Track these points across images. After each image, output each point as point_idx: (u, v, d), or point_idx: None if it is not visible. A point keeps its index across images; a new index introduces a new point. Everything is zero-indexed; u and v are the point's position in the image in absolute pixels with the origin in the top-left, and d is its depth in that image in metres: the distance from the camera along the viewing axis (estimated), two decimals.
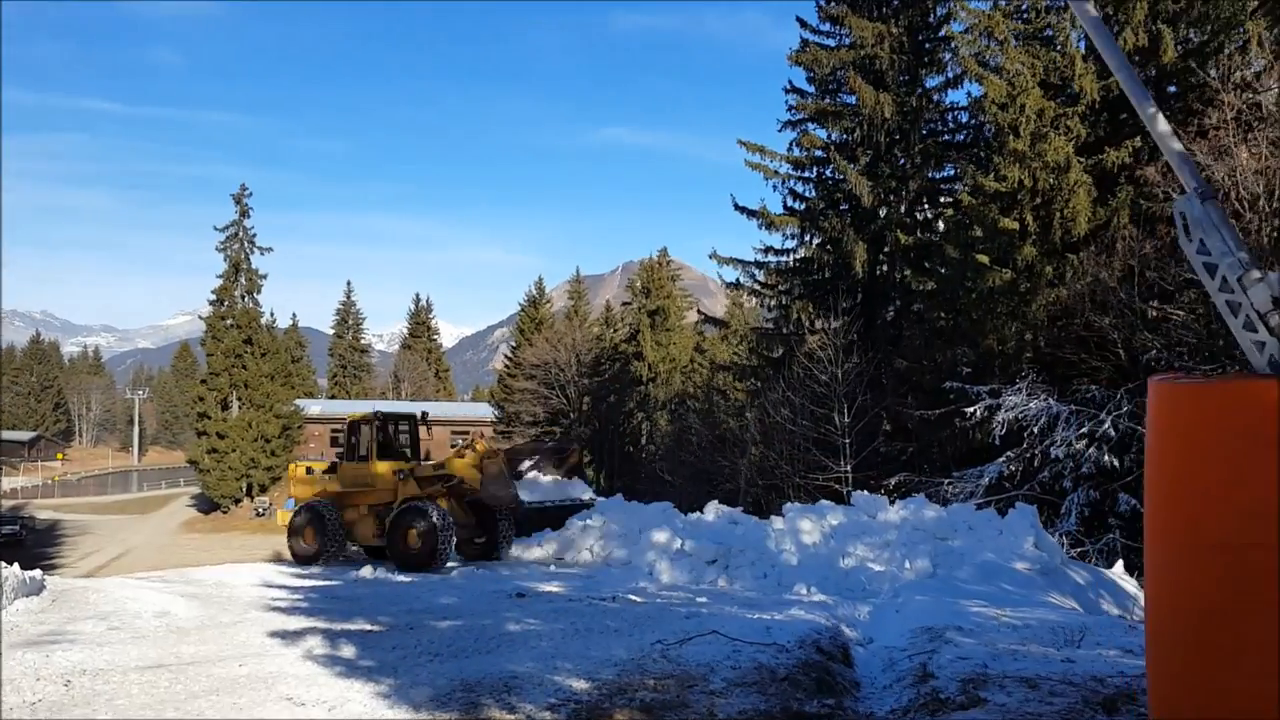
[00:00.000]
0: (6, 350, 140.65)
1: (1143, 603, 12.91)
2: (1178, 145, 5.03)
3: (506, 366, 67.21)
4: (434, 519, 16.43)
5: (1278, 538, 3.51)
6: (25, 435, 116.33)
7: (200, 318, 71.92)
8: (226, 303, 68.67)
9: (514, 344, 70.53)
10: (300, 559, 18.16)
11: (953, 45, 25.60)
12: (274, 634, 9.19)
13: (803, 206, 28.76)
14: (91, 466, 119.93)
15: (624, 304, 65.84)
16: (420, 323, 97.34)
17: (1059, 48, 21.39)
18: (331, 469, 18.99)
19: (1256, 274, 4.51)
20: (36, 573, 13.81)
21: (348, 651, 8.17)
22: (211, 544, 54.59)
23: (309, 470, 19.36)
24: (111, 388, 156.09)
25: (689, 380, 53.33)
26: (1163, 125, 5.04)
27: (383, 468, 17.89)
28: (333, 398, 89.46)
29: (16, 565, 12.07)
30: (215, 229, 68.99)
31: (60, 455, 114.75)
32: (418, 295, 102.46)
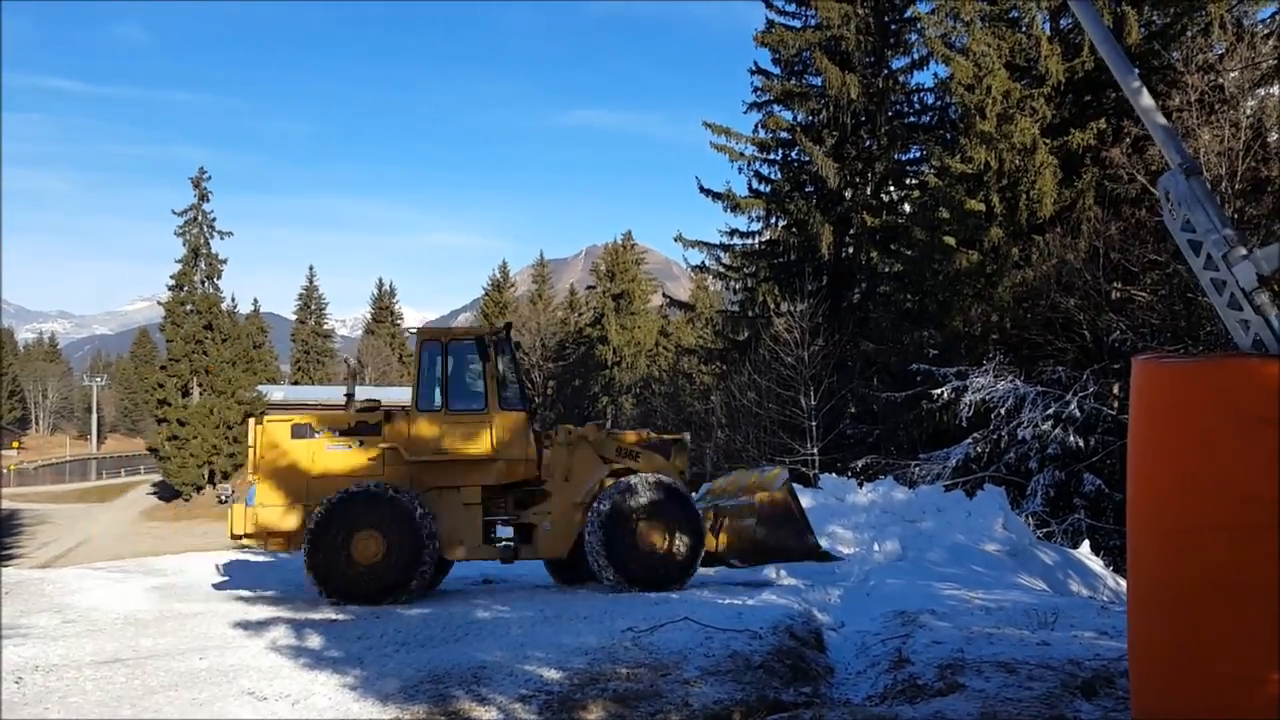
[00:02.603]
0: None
1: (1109, 582, 13.05)
2: (1161, 119, 4.94)
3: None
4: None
5: (1278, 519, 3.42)
6: None
7: (159, 303, 70.60)
8: (186, 288, 67.44)
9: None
10: (353, 594, 10.34)
11: (919, 26, 25.53)
12: (237, 625, 8.97)
13: (768, 189, 28.63)
14: (49, 454, 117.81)
15: (588, 288, 65.61)
16: (384, 307, 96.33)
17: (1025, 29, 21.38)
18: (364, 429, 11.19)
19: (1241, 251, 4.45)
20: None
21: (313, 642, 7.98)
22: (173, 532, 53.81)
23: (302, 430, 11.18)
24: (69, 375, 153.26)
25: (654, 364, 53.28)
26: (1146, 100, 4.95)
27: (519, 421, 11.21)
28: (296, 384, 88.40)
29: None
30: (174, 213, 67.69)
31: (16, 444, 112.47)
32: (380, 280, 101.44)
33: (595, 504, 10.97)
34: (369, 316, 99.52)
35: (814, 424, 23.26)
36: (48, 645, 7.96)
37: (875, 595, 10.09)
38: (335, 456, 11.07)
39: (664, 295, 47.39)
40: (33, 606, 10.74)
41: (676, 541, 11.01)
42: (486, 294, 71.65)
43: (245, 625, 8.89)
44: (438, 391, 11.21)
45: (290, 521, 10.88)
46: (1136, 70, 5.23)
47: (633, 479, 11.10)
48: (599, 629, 8.05)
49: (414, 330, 12.20)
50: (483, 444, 10.98)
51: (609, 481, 11.26)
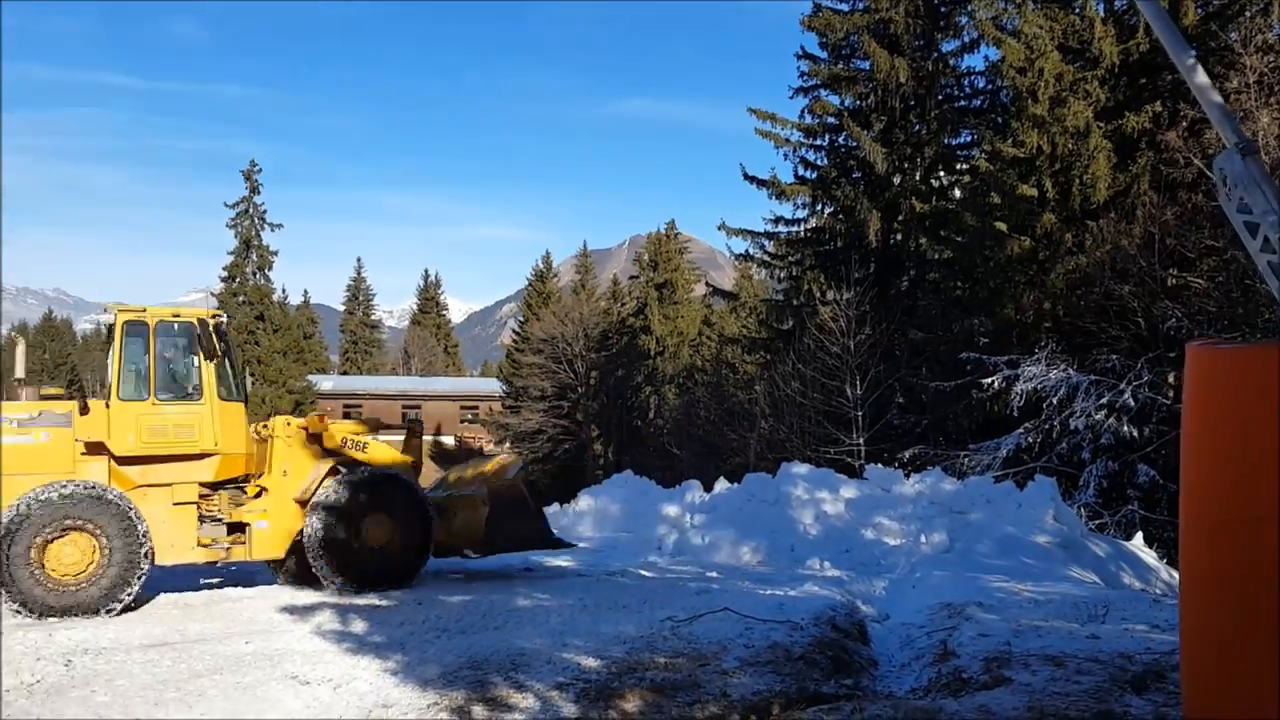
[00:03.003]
0: (17, 328, 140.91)
1: (1163, 575, 12.77)
2: (1217, 98, 4.76)
3: (514, 341, 66.94)
4: None
5: None
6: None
7: (212, 295, 71.86)
8: (238, 280, 68.64)
9: (522, 319, 70.35)
10: (54, 614, 8.79)
11: (969, 8, 25.06)
12: (283, 610, 9.07)
13: (814, 175, 28.33)
14: None
15: (631, 278, 65.47)
16: (429, 299, 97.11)
17: (1078, 10, 20.90)
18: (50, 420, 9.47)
19: None
20: None
21: (357, 627, 8.04)
22: None
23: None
24: None
25: (697, 354, 53.08)
26: (1202, 77, 4.77)
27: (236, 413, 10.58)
28: (344, 374, 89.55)
29: None
30: (226, 205, 68.84)
31: None
32: (426, 271, 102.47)
33: (314, 500, 10.05)
34: (415, 308, 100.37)
35: (860, 414, 23.02)
36: (98, 629, 8.12)
37: (921, 587, 9.96)
38: (21, 451, 9.22)
39: (707, 284, 47.08)
40: None
41: (401, 536, 10.26)
42: (530, 284, 71.88)
43: (291, 610, 8.99)
44: (141, 379, 9.93)
45: None
46: (1193, 50, 5.04)
47: (354, 472, 10.28)
48: (638, 618, 8.02)
49: (112, 308, 10.23)
50: (199, 438, 9.89)
51: (327, 476, 10.29)
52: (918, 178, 27.24)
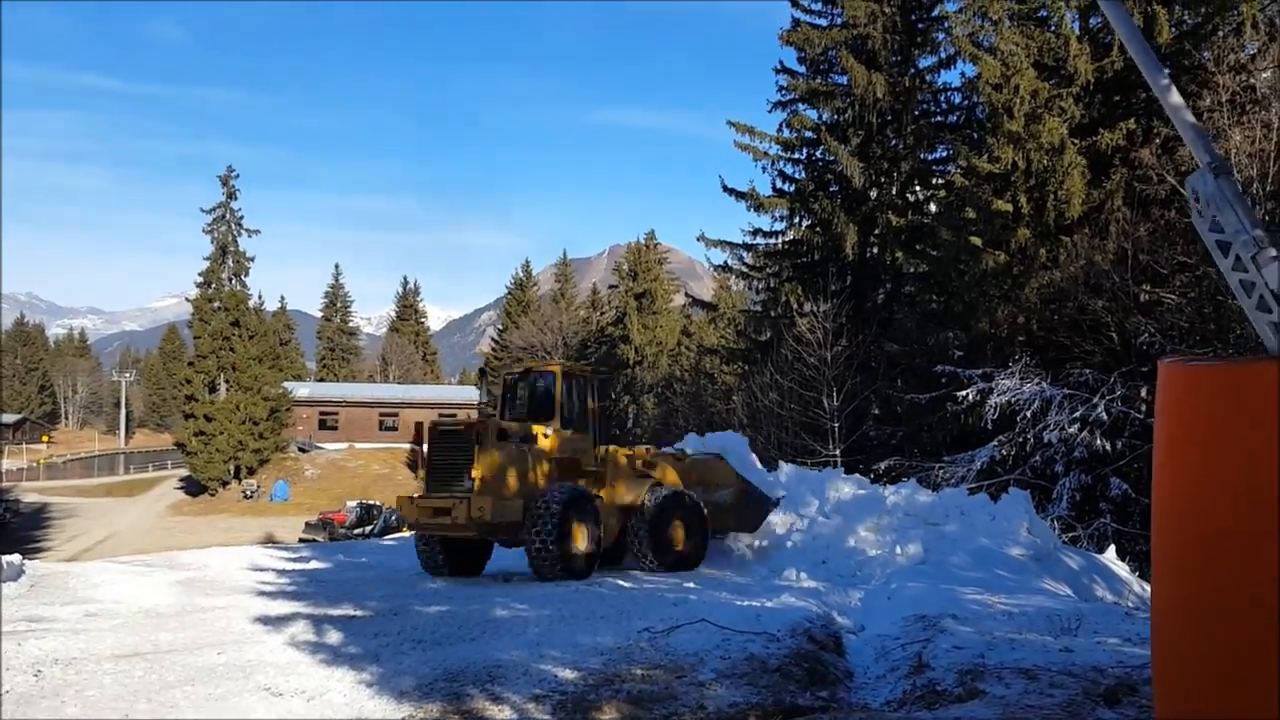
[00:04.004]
0: None
1: (1135, 588, 12.88)
2: (1190, 118, 4.83)
3: (493, 349, 66.90)
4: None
5: None
6: (10, 418, 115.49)
7: (187, 300, 71.35)
8: (214, 285, 68.14)
9: (501, 327, 70.29)
10: None
11: (946, 25, 25.38)
12: (257, 620, 9.00)
13: (792, 188, 28.53)
14: (78, 449, 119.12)
15: (611, 287, 65.66)
16: (408, 306, 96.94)
17: (1053, 28, 21.17)
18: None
19: (1271, 252, 4.33)
20: (15, 558, 13.58)
21: (332, 638, 7.99)
22: (199, 527, 54.33)
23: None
24: (98, 370, 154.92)
25: (676, 363, 53.23)
26: (1175, 98, 4.84)
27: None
28: (321, 380, 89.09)
29: None
30: (202, 211, 68.41)
31: (46, 438, 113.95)
32: (405, 278, 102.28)
33: (642, 506, 13.90)
34: (394, 315, 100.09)
35: (836, 425, 23.13)
36: (69, 639, 8.01)
37: (897, 599, 9.99)
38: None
39: (686, 295, 47.31)
40: (56, 599, 10.84)
41: (689, 534, 14.01)
42: (510, 293, 71.93)
43: (265, 620, 8.92)
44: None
45: None
46: (1166, 69, 5.12)
47: (661, 488, 14.07)
48: (616, 629, 8.01)
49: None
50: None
51: (647, 491, 13.96)
52: (894, 192, 27.47)
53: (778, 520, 14.82)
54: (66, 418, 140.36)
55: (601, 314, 63.02)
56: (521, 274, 72.07)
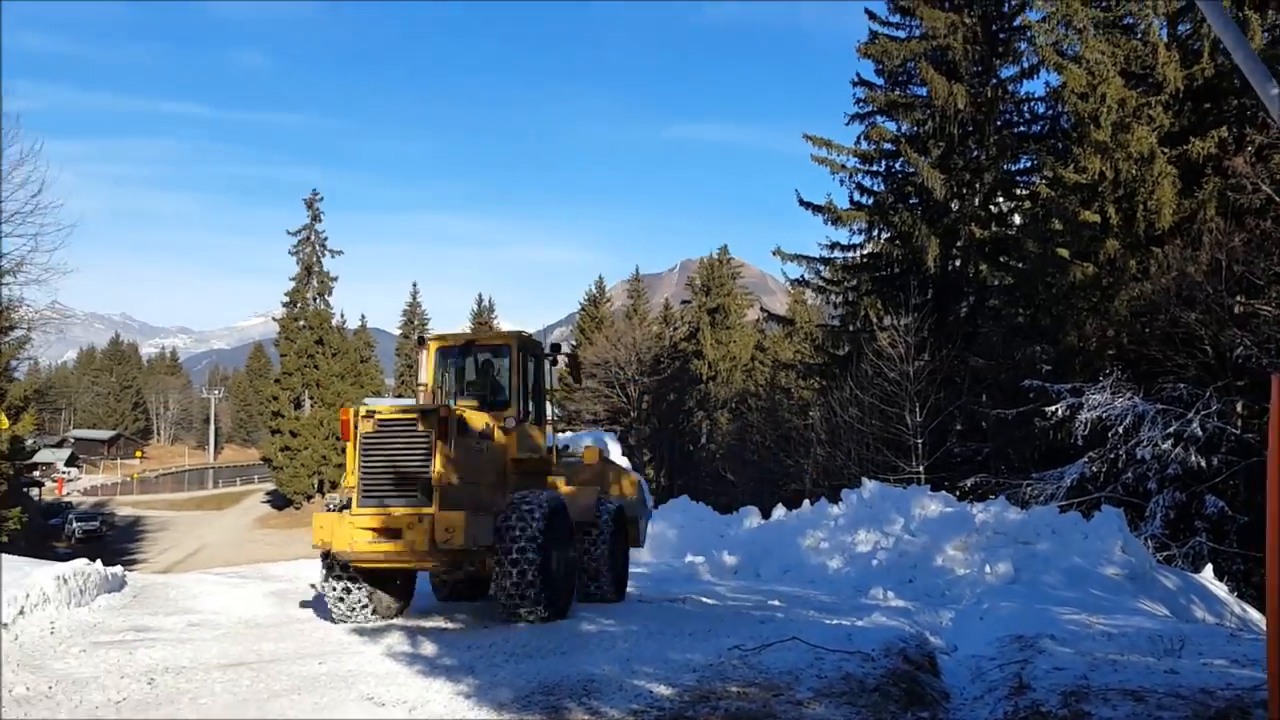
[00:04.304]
0: (86, 352, 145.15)
1: (1235, 609, 12.45)
2: None
3: (566, 365, 67.54)
4: None
5: None
6: (105, 434, 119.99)
7: (274, 319, 73.48)
8: (298, 304, 70.08)
9: (574, 343, 70.75)
10: None
11: (1029, 34, 24.93)
12: (353, 631, 9.22)
13: (871, 201, 28.31)
14: (169, 464, 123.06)
15: (683, 302, 65.70)
16: (482, 322, 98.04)
17: (1140, 35, 20.69)
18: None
19: None
20: (118, 569, 14.09)
21: (427, 649, 8.14)
22: (285, 539, 55.66)
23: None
24: (188, 387, 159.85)
25: (750, 378, 52.97)
26: None
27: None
28: (399, 396, 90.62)
29: (99, 561, 12.30)
30: (288, 233, 70.43)
31: (139, 453, 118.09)
32: (480, 295, 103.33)
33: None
34: (469, 330, 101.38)
35: (919, 441, 22.81)
36: (176, 648, 8.30)
37: (989, 618, 9.82)
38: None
39: (761, 309, 47.15)
40: (159, 610, 11.22)
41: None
42: (583, 308, 72.32)
43: (361, 632, 9.13)
44: None
45: None
46: (1276, 83, 4.98)
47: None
48: (706, 646, 8.01)
49: None
50: None
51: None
52: (977, 203, 27.05)
53: (862, 538, 14.69)
54: (158, 433, 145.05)
55: (674, 329, 63.06)
56: (595, 290, 72.45)
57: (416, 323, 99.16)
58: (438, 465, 9.19)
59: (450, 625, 9.61)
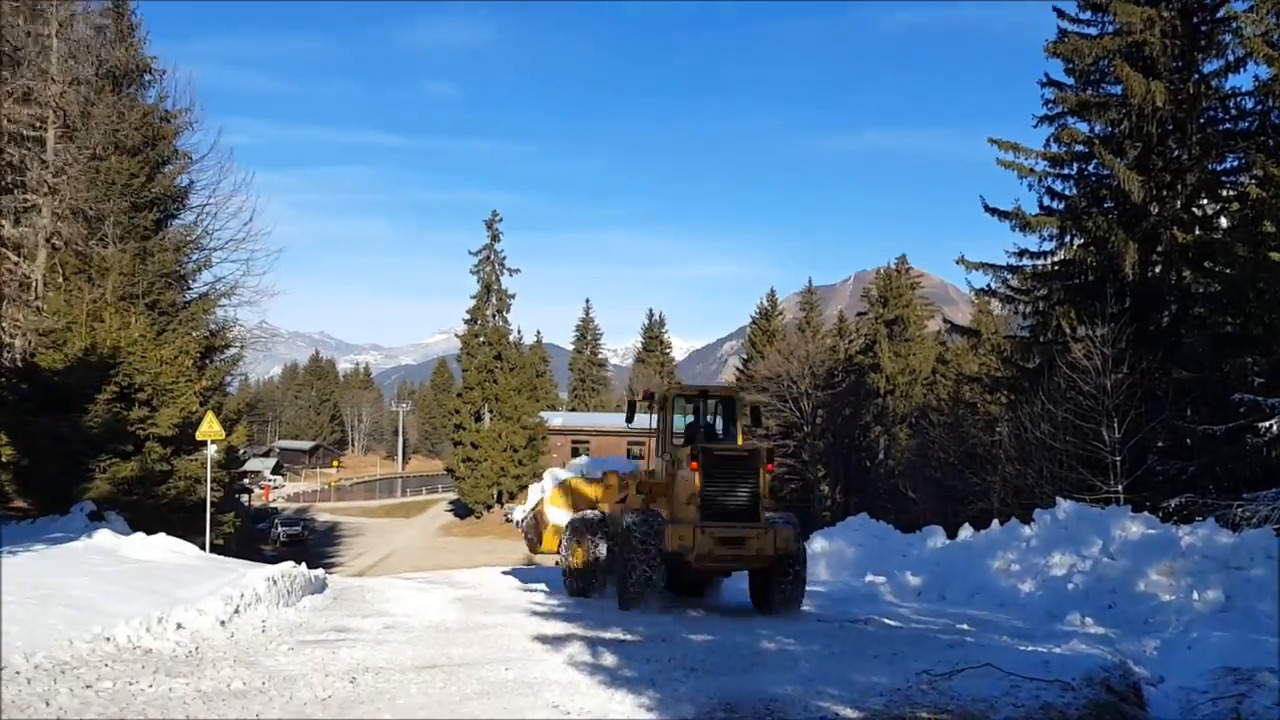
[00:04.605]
0: (289, 368, 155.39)
1: None
2: None
3: (737, 379, 67.09)
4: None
5: None
6: (306, 444, 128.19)
7: (456, 336, 76.71)
8: (479, 321, 72.89)
9: (745, 356, 70.47)
10: None
11: (1234, 25, 23.15)
12: (536, 639, 9.44)
13: (1062, 206, 26.90)
14: (362, 473, 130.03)
15: (859, 314, 64.29)
16: (653, 337, 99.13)
17: None
18: None
19: None
20: (320, 572, 15.00)
21: (608, 661, 8.24)
22: (467, 547, 57.79)
23: None
24: (379, 401, 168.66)
25: (931, 392, 51.21)
26: None
27: None
28: (573, 410, 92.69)
29: (304, 565, 13.12)
30: (469, 253, 73.44)
31: (336, 463, 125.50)
32: (651, 310, 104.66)
33: None
34: (640, 345, 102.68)
35: (1118, 459, 21.44)
36: (374, 649, 8.72)
37: (1198, 648, 9.11)
38: None
39: (943, 320, 45.51)
40: (357, 612, 11.85)
41: None
42: (754, 322, 71.95)
43: (544, 640, 9.34)
44: None
45: None
46: None
47: None
48: (891, 669, 7.77)
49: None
50: None
51: None
52: (1178, 206, 25.27)
53: (1056, 560, 13.94)
54: (353, 444, 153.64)
55: (849, 342, 61.80)
56: (766, 303, 71.94)
57: (589, 338, 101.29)
58: (764, 492, 12.20)
59: (628, 637, 9.70)
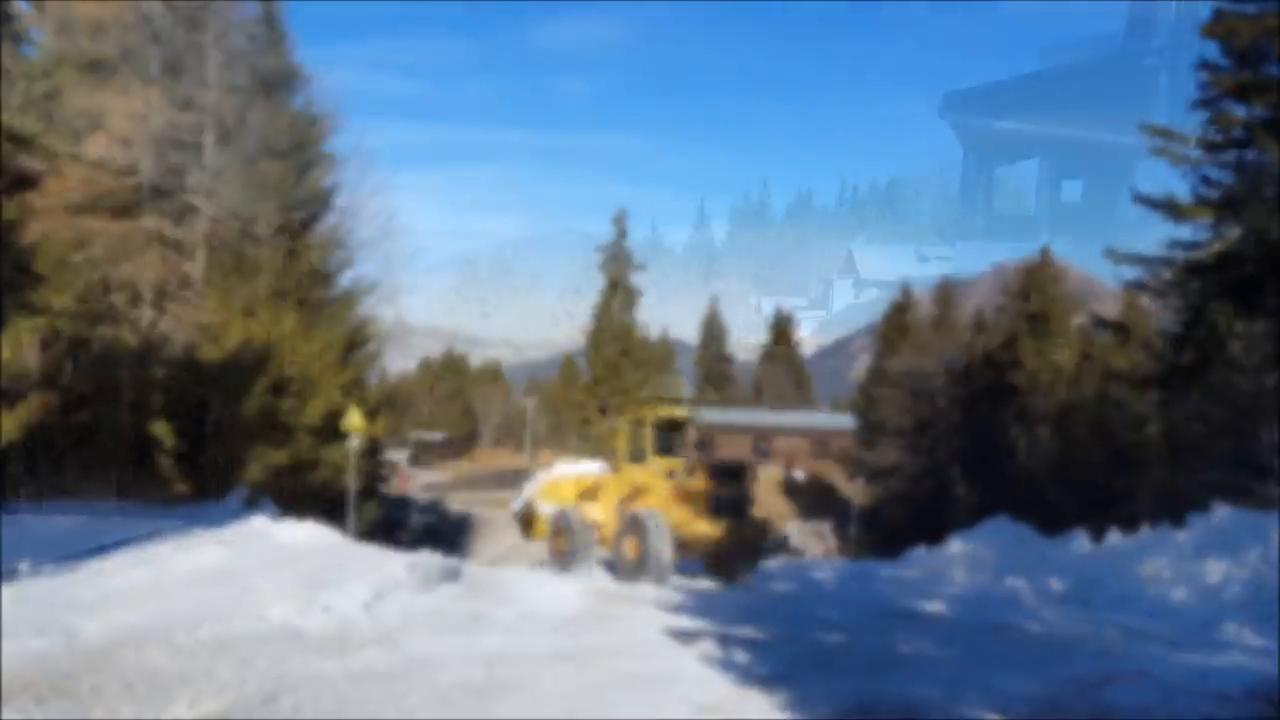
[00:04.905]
0: (424, 362, 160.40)
1: None
2: None
3: (869, 375, 65.79)
4: None
5: None
6: (439, 436, 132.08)
7: (582, 331, 77.82)
8: (605, 317, 73.68)
9: (877, 352, 69.06)
10: None
11: None
12: (666, 631, 9.48)
13: (1218, 195, 25.38)
14: (491, 465, 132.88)
15: (997, 309, 62.12)
16: (781, 333, 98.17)
17: None
18: None
19: None
20: (455, 561, 15.42)
21: (740, 657, 8.20)
22: None
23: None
24: (508, 395, 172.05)
25: (1075, 390, 49.07)
26: None
27: None
28: (696, 405, 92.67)
29: (439, 554, 13.53)
30: (596, 249, 74.30)
31: (467, 454, 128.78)
32: (779, 306, 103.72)
33: None
34: (767, 341, 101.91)
35: (1277, 461, 20.17)
36: (509, 637, 8.91)
37: None
38: None
39: (1090, 315, 43.46)
40: (491, 600, 12.09)
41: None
42: (886, 317, 70.39)
43: (675, 633, 9.36)
44: None
45: None
46: None
47: None
48: (1037, 676, 7.49)
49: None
50: None
51: None
52: None
53: (1211, 568, 13.16)
54: (483, 437, 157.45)
55: (987, 338, 59.79)
56: (900, 297, 70.30)
57: (715, 333, 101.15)
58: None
59: (760, 635, 9.63)
